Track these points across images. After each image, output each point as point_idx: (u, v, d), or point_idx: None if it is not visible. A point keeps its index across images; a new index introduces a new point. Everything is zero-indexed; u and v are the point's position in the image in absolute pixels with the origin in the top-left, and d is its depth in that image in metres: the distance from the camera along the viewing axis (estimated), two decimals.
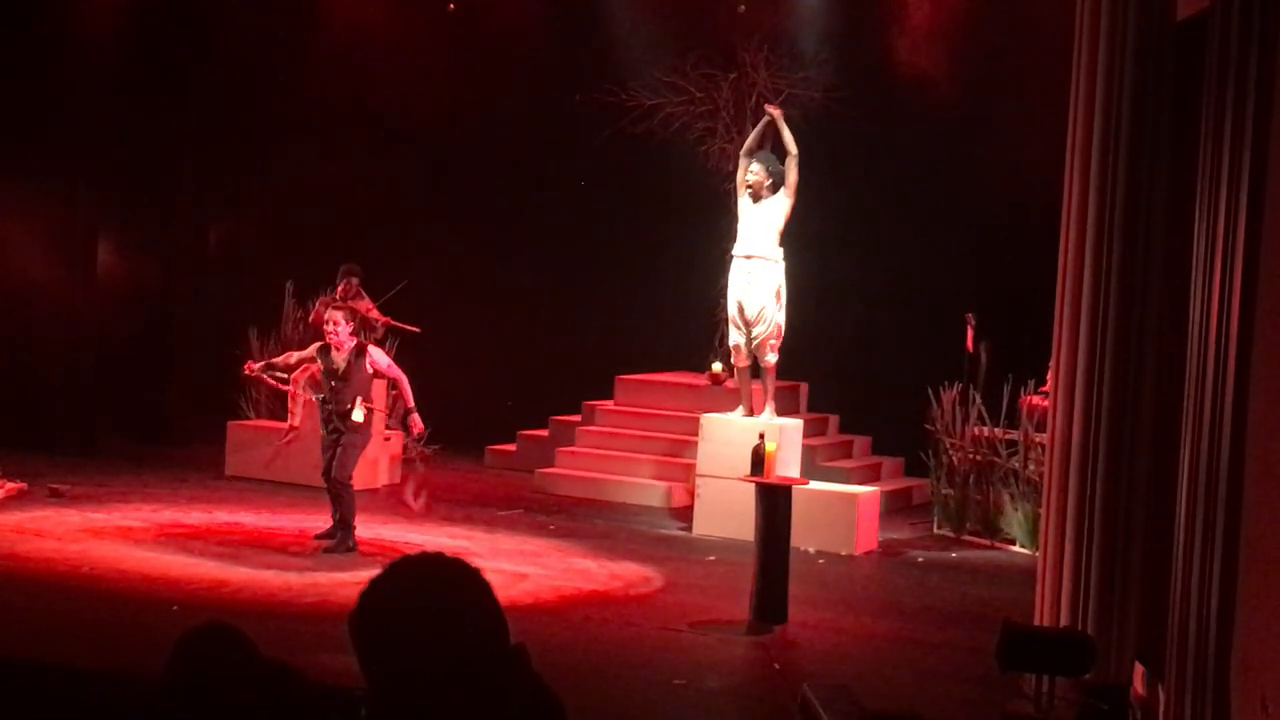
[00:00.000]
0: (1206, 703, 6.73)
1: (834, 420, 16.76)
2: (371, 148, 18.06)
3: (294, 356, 13.03)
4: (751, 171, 13.94)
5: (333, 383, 12.04)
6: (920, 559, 13.36)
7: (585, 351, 17.53)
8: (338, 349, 11.99)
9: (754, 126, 14.62)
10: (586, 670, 8.89)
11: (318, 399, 12.41)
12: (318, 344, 12.32)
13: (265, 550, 12.03)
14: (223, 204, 18.40)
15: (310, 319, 14.60)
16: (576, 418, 16.71)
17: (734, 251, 14.14)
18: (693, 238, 17.10)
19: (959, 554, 13.56)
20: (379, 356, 12.17)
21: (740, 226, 14.09)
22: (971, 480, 14.15)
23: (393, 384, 12.98)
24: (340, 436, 12.01)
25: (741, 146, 14.48)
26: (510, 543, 12.89)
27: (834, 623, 10.78)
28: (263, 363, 13.28)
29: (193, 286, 17.70)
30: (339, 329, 11.94)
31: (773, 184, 13.90)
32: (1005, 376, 14.06)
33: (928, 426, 14.63)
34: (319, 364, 12.23)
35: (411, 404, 12.10)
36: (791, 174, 13.79)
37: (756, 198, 13.93)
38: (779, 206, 13.88)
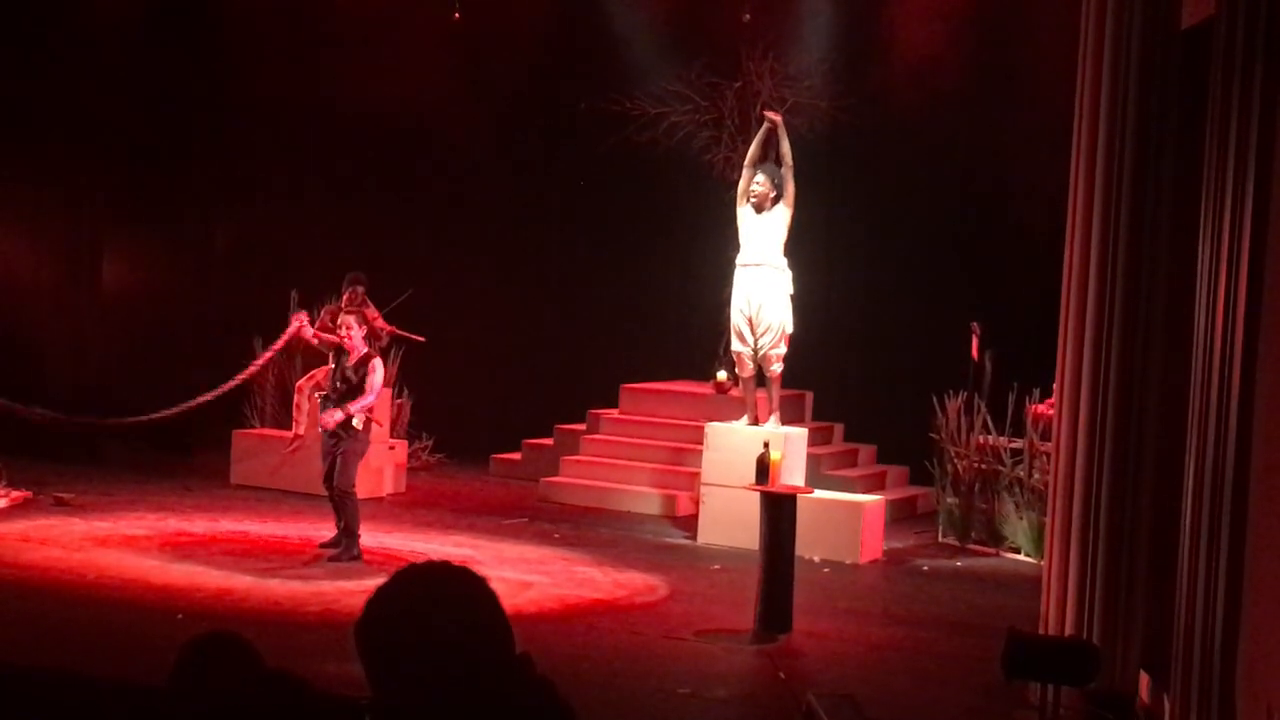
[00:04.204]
0: (1212, 711, 6.72)
1: (839, 429, 16.73)
2: (376, 156, 18.07)
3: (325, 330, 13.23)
4: (757, 182, 13.92)
5: (338, 383, 12.16)
6: (925, 567, 13.34)
7: (590, 360, 17.50)
8: (350, 351, 12.14)
9: (758, 134, 14.59)
10: (591, 679, 8.88)
11: (319, 397, 12.49)
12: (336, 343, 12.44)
13: (270, 559, 12.04)
14: (228, 212, 18.41)
15: (315, 326, 14.56)
16: (581, 426, 16.69)
17: (739, 261, 14.11)
18: (697, 246, 17.09)
19: (964, 562, 13.54)
20: (377, 375, 12.19)
21: (743, 237, 14.03)
22: (976, 489, 14.13)
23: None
24: (339, 442, 12.06)
25: (745, 155, 14.48)
26: (515, 551, 12.88)
27: (839, 631, 10.77)
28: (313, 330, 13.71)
29: (198, 294, 17.70)
30: (353, 333, 12.14)
31: (776, 195, 13.89)
32: (1010, 385, 14.05)
33: (933, 435, 14.61)
34: (329, 365, 12.36)
35: (349, 409, 12.04)
36: (789, 184, 13.80)
37: (760, 208, 13.92)
38: (781, 217, 13.88)
